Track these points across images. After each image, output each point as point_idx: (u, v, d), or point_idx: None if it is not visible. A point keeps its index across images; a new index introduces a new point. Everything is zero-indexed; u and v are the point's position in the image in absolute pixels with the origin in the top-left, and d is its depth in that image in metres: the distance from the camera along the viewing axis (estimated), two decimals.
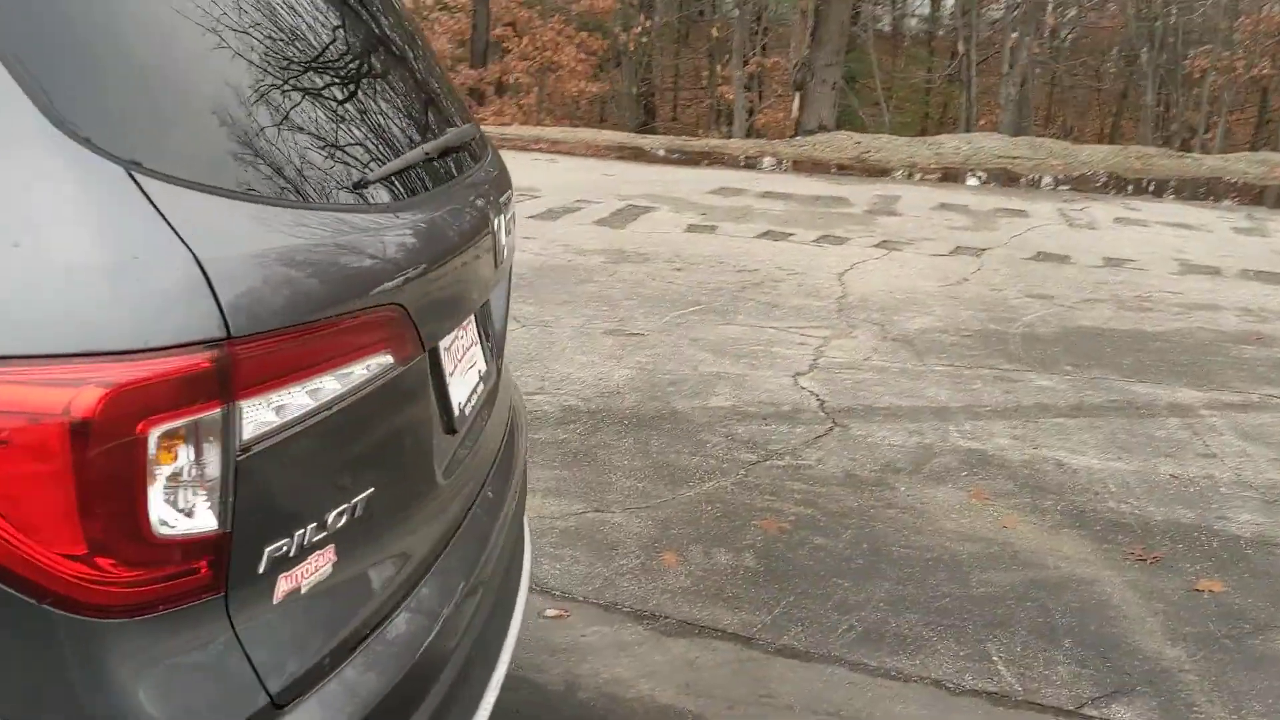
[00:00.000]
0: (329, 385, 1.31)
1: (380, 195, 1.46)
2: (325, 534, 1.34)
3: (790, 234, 8.58)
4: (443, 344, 1.76)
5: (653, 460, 4.27)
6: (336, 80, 1.49)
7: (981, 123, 23.13)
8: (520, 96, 24.94)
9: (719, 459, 4.32)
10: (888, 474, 4.25)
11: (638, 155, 13.05)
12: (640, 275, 7.10)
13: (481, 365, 2.02)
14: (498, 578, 1.94)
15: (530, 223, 8.51)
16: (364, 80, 1.57)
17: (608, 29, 26.41)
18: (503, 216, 1.87)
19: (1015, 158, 14.09)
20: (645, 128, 27.77)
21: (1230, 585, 3.51)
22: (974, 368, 5.56)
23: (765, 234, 8.55)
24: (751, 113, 25.01)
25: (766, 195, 10.31)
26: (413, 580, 1.58)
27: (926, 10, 35.61)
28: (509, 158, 10.64)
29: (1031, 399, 5.14)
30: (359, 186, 1.43)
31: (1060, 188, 12.48)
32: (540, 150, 12.77)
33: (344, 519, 1.36)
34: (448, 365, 1.78)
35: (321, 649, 1.34)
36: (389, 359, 1.41)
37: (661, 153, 13.58)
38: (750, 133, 23.14)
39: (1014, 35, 19.97)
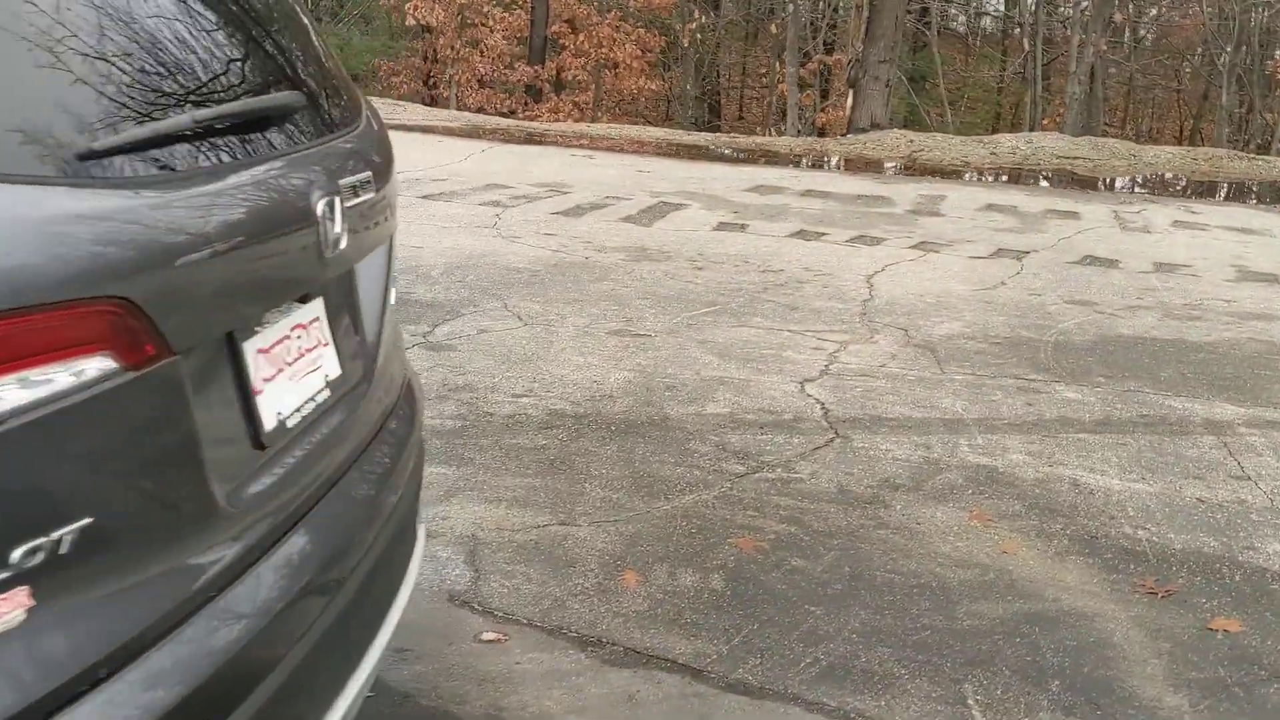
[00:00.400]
0: (9, 394, 1.08)
1: (114, 169, 1.22)
2: (9, 574, 1.11)
3: (823, 234, 8.27)
4: (252, 345, 1.53)
5: (634, 470, 4.02)
6: (65, 18, 1.25)
7: (1045, 122, 22.48)
8: (577, 94, 24.77)
9: (705, 470, 4.05)
10: (884, 490, 3.95)
11: (680, 152, 12.78)
12: (658, 274, 6.84)
13: (333, 369, 1.79)
14: (355, 582, 1.71)
15: (554, 219, 8.30)
16: (113, 19, 1.32)
17: (668, 26, 26.16)
18: (339, 200, 1.63)
19: (1075, 158, 13.58)
20: (709, 126, 27.50)
21: (1249, 625, 3.16)
22: (997, 377, 5.23)
23: (797, 233, 8.25)
24: (813, 110, 24.60)
25: (806, 194, 9.99)
26: (205, 594, 1.36)
27: (999, 8, 34.93)
28: (549, 154, 10.48)
29: (1055, 412, 4.80)
30: (86, 158, 1.19)
31: (1122, 190, 11.99)
32: (581, 146, 12.56)
33: (41, 556, 1.13)
34: (262, 370, 1.55)
35: (26, 698, 1.12)
36: (111, 363, 1.18)
37: (706, 150, 13.30)
38: (815, 131, 22.74)
39: (1080, 35, 19.34)
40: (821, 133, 22.60)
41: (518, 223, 8.07)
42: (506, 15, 24.25)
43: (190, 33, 1.45)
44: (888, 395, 4.91)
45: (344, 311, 1.85)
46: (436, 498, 3.69)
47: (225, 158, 1.42)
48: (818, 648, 2.96)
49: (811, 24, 25.06)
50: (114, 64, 1.28)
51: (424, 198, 8.80)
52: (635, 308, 6.08)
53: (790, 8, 21.59)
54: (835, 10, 26.35)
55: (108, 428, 1.20)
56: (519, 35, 24.80)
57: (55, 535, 1.14)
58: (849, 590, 3.26)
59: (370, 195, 1.78)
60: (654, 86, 26.14)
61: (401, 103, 16.47)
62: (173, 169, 1.31)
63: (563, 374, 4.96)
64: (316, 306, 1.74)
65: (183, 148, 1.33)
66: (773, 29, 24.74)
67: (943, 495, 3.94)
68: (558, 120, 20.05)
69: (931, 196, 10.20)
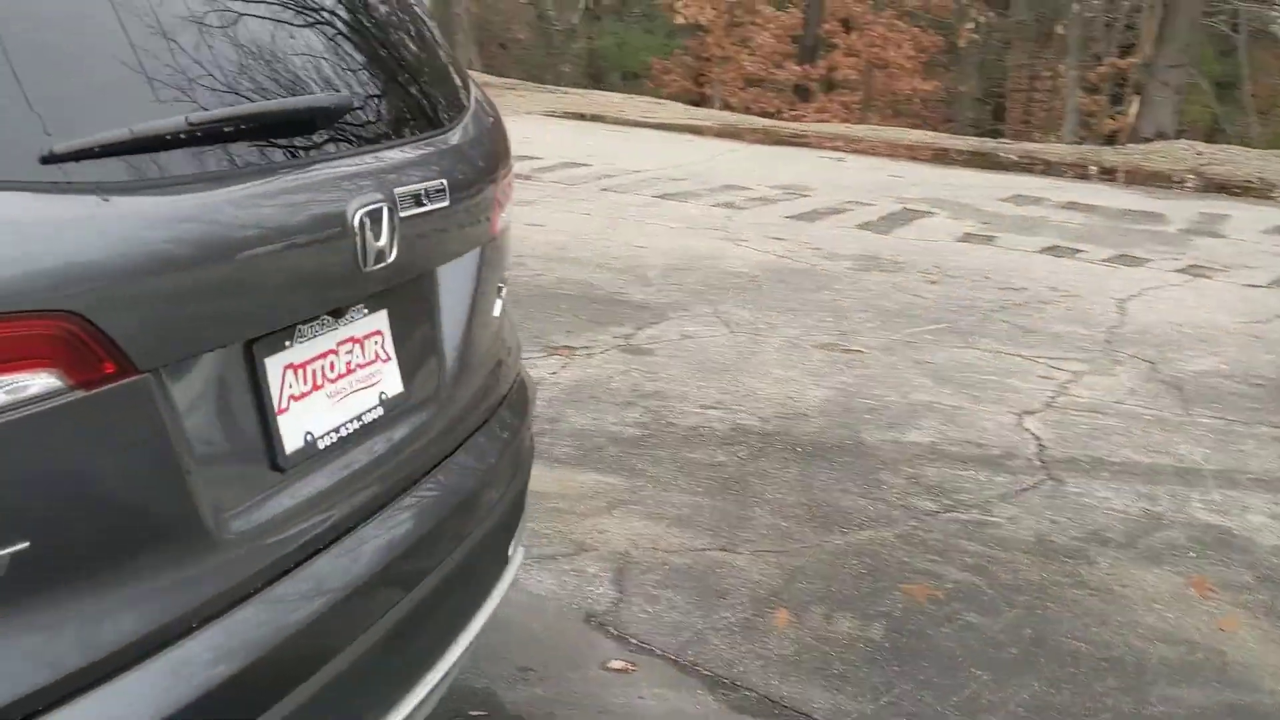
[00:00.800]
0: None
1: (80, 173, 1.14)
2: None
3: (1079, 251, 7.65)
4: (279, 360, 1.44)
5: (811, 497, 3.78)
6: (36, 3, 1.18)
7: None
8: (845, 94, 24.28)
9: (890, 504, 3.76)
10: (1091, 545, 3.55)
11: (938, 157, 12.23)
12: (886, 285, 6.50)
13: (393, 386, 1.68)
14: (393, 618, 1.62)
15: (786, 223, 8.06)
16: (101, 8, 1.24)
17: (948, 26, 25.24)
18: (388, 210, 1.51)
19: None
20: (990, 130, 26.31)
21: None
22: (1251, 424, 4.63)
23: (1049, 249, 7.67)
24: (1101, 116, 23.11)
25: (1068, 206, 9.31)
26: (185, 625, 1.28)
27: None
28: (798, 156, 10.16)
29: None
30: (47, 161, 1.12)
31: None
32: (835, 149, 12.22)
33: None
34: (291, 387, 1.46)
35: None
36: (55, 381, 1.11)
37: (967, 155, 12.67)
38: (1103, 139, 21.35)
39: None
40: (1110, 140, 21.17)
41: (747, 225, 7.90)
42: (779, 14, 24.02)
43: (216, 25, 1.37)
44: (1116, 435, 4.44)
45: (417, 323, 1.75)
46: (598, 509, 3.58)
47: (234, 164, 1.32)
48: (975, 719, 2.66)
49: (1107, 24, 23.54)
50: (96, 55, 1.21)
51: (659, 197, 8.76)
52: (853, 320, 5.79)
53: (1074, 7, 20.32)
54: (1137, 10, 24.66)
55: (50, 449, 1.12)
56: (789, 34, 24.52)
57: None
58: (1026, 656, 2.93)
59: (442, 204, 1.66)
60: (928, 88, 25.25)
61: (661, 101, 16.59)
62: (158, 175, 1.23)
63: (758, 387, 4.76)
64: (377, 319, 1.64)
65: (176, 153, 1.24)
66: (1058, 29, 23.41)
67: (1159, 556, 3.50)
68: (824, 121, 19.66)
69: (1212, 215, 9.29)
